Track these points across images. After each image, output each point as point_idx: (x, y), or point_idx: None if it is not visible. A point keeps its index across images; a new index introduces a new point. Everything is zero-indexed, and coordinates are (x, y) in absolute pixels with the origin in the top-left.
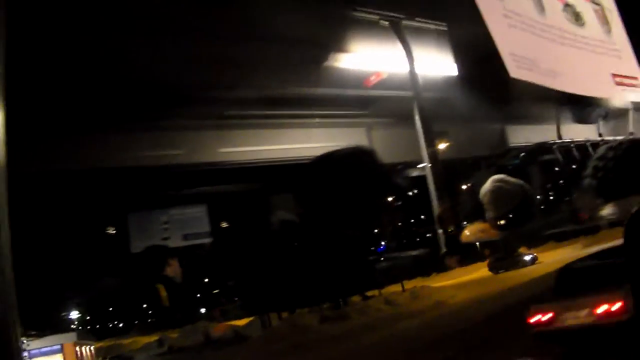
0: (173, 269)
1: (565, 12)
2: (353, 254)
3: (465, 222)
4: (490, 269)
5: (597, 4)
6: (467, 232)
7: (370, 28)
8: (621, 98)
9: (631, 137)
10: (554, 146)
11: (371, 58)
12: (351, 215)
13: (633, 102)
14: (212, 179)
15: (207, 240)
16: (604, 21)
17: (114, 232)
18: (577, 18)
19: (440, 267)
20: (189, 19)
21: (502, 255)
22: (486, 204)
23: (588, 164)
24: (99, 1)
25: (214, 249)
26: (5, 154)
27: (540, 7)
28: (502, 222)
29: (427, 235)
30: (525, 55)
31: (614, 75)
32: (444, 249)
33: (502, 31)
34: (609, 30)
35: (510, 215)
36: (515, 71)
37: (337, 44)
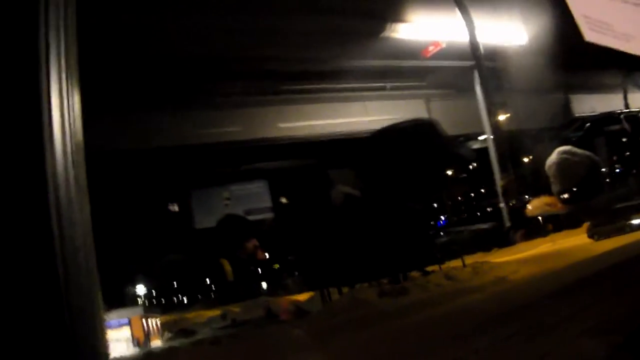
0: (251, 243)
1: None
2: (414, 228)
3: (528, 196)
4: (590, 236)
5: None
6: (533, 206)
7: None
8: None
9: None
10: (621, 115)
11: (429, 27)
12: (413, 188)
13: None
14: (272, 155)
15: (268, 215)
16: None
17: (178, 209)
18: None
19: (502, 242)
20: None
21: (604, 221)
22: (552, 176)
23: None
24: None
25: (275, 223)
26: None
27: None
28: (570, 195)
29: (489, 209)
30: (599, 18)
31: None
32: (508, 223)
33: None
34: None
35: (578, 188)
36: (589, 34)
37: (394, 14)
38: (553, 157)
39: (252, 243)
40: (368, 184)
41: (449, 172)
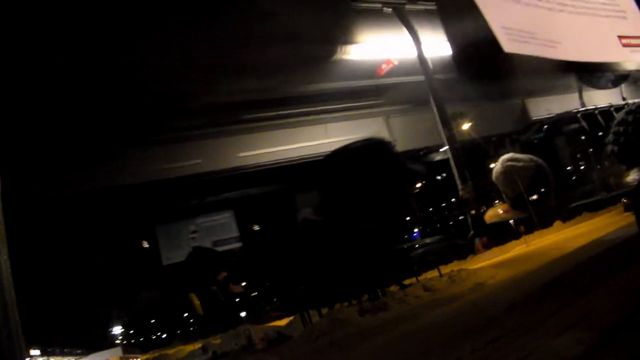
0: (221, 275)
1: None
2: (384, 245)
3: (491, 203)
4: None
5: None
6: (488, 215)
7: (374, 17)
8: (630, 60)
9: (625, 103)
10: (578, 115)
11: (380, 47)
12: (367, 208)
13: None
14: (235, 184)
15: (237, 245)
16: None
17: (145, 246)
18: None
19: (467, 251)
20: (189, 29)
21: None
22: (500, 185)
23: (608, 131)
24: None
25: (246, 252)
26: None
27: None
28: (520, 200)
29: (460, 218)
30: (521, 28)
31: (621, 37)
32: (470, 232)
33: (493, 5)
34: None
35: (528, 192)
36: (509, 45)
37: (343, 37)
38: (498, 166)
39: (222, 275)
40: (326, 207)
41: (417, 185)
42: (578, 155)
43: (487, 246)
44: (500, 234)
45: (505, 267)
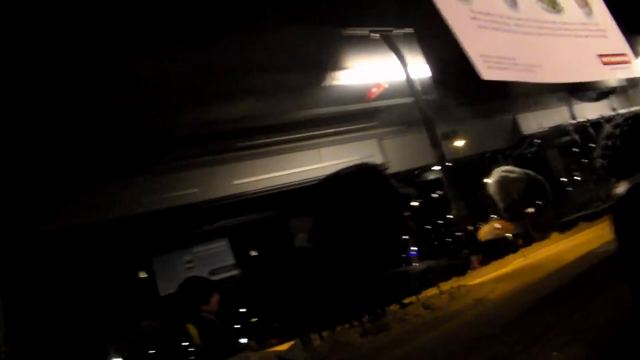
0: (214, 299)
1: (541, 2)
2: (380, 267)
3: (486, 219)
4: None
5: None
6: (483, 232)
7: (363, 42)
8: (610, 77)
9: (633, 110)
10: (569, 127)
11: (370, 71)
12: (368, 230)
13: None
14: (231, 212)
15: (234, 273)
16: (583, 3)
17: (143, 277)
18: (554, 5)
19: (463, 269)
20: (180, 58)
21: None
22: (494, 194)
23: (597, 144)
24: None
25: (244, 279)
26: None
27: (513, 2)
28: (514, 212)
29: (456, 234)
30: (499, 54)
31: (601, 56)
32: (465, 251)
33: (470, 34)
34: (589, 12)
35: (521, 204)
36: (486, 72)
37: (334, 63)
38: (493, 176)
39: (216, 299)
40: (319, 233)
41: (410, 206)
42: (573, 167)
43: (483, 263)
44: (496, 250)
45: (504, 281)
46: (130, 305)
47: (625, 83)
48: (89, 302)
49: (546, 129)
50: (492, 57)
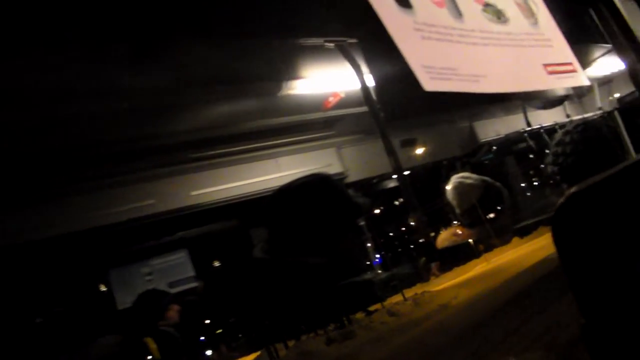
0: (172, 310)
1: (486, 13)
2: (335, 278)
3: (444, 227)
4: None
5: None
6: (440, 239)
7: (318, 52)
8: (556, 86)
9: (586, 117)
10: (525, 134)
11: (325, 80)
12: (322, 241)
13: (592, 80)
14: (189, 223)
15: (194, 284)
16: (529, 13)
17: (101, 289)
18: (499, 16)
19: (421, 277)
20: (134, 72)
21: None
22: (451, 200)
23: (548, 152)
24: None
25: (205, 291)
26: None
27: (457, 13)
28: (470, 218)
29: (416, 242)
30: (442, 65)
31: (546, 65)
32: (422, 259)
33: (413, 46)
34: (535, 22)
35: (477, 211)
36: (429, 83)
37: (291, 73)
38: (450, 183)
39: (174, 310)
40: (273, 244)
41: (366, 215)
42: (530, 172)
43: (441, 270)
44: (454, 257)
45: (467, 287)
46: (88, 320)
47: (579, 90)
48: (46, 317)
49: (502, 136)
50: (435, 68)
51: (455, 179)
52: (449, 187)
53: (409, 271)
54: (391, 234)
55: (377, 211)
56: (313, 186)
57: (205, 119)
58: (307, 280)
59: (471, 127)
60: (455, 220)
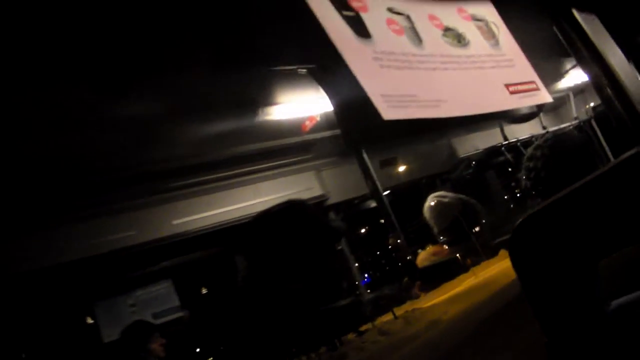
0: (156, 343)
1: (446, 37)
2: (316, 302)
3: (426, 244)
4: None
5: (479, 20)
6: (420, 259)
7: (292, 77)
8: (518, 105)
9: (563, 127)
10: (502, 148)
11: (300, 105)
12: (300, 267)
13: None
14: (172, 252)
15: (179, 314)
16: (490, 35)
17: (85, 324)
18: (460, 39)
19: (404, 297)
20: (107, 103)
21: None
22: (429, 220)
23: (522, 166)
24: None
25: (191, 320)
26: None
27: (418, 40)
28: (449, 236)
29: (399, 262)
30: (401, 93)
31: (508, 85)
32: (405, 279)
33: (372, 75)
34: (496, 43)
35: (455, 229)
36: (387, 112)
37: (266, 99)
38: (427, 202)
39: (158, 343)
40: (252, 272)
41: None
42: (513, 185)
43: (424, 289)
44: (437, 275)
45: (457, 302)
46: (74, 355)
47: (554, 103)
48: (31, 353)
49: (481, 151)
50: (394, 96)
51: (431, 198)
52: (426, 207)
53: (396, 290)
54: (378, 253)
55: (362, 230)
56: (288, 213)
57: (183, 147)
58: (290, 305)
59: (450, 143)
60: (434, 239)
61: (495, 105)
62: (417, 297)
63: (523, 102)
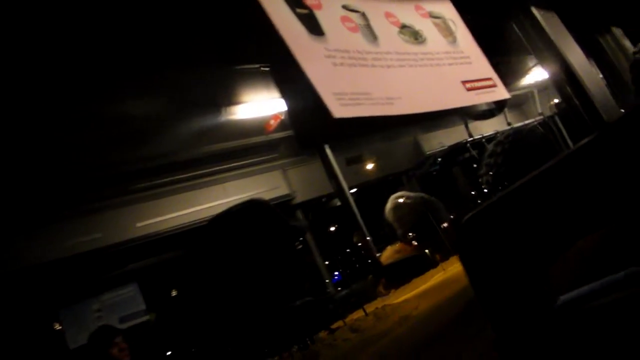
0: (114, 349)
1: (402, 35)
2: (283, 299)
3: (390, 242)
4: None
5: (437, 17)
6: (384, 257)
7: (255, 77)
8: (475, 102)
9: (527, 123)
10: (467, 144)
11: (263, 104)
12: (262, 266)
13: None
14: (137, 255)
15: (146, 318)
16: (448, 32)
17: (51, 329)
18: (417, 37)
19: (370, 295)
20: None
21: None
22: (392, 222)
23: (482, 163)
24: None
25: (159, 322)
26: None
27: (373, 37)
28: (412, 235)
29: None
30: (354, 91)
31: (465, 82)
32: (369, 277)
33: (324, 73)
34: (454, 40)
35: (419, 227)
36: (339, 110)
37: (231, 99)
38: (388, 204)
39: (117, 348)
40: (213, 273)
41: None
42: (481, 180)
43: (388, 287)
44: (403, 273)
45: (427, 297)
46: None
47: (519, 99)
48: None
49: (446, 147)
50: (347, 94)
51: (393, 199)
52: (387, 208)
53: (367, 287)
54: (348, 250)
55: (332, 228)
56: (249, 212)
57: (148, 149)
58: (255, 304)
59: (415, 140)
60: (398, 239)
61: (451, 102)
62: (382, 295)
63: (480, 99)
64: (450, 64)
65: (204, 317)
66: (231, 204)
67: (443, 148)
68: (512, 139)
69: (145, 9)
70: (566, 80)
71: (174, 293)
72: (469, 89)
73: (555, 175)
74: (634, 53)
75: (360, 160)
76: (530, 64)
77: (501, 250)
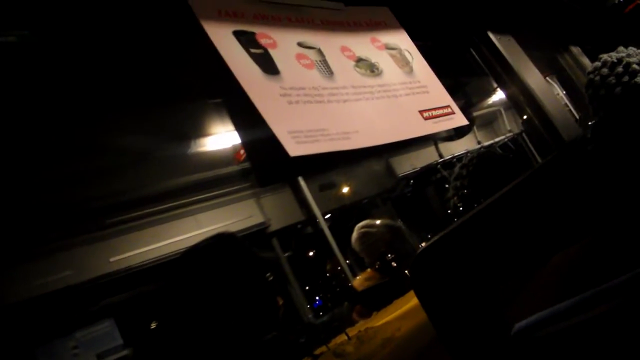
0: None
1: (358, 68)
2: (256, 330)
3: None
4: None
5: (392, 48)
6: (355, 285)
7: (221, 110)
8: (433, 130)
9: (497, 140)
10: (438, 165)
11: (231, 135)
12: (232, 299)
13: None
14: (111, 290)
15: (124, 353)
16: (404, 63)
17: None
18: (373, 69)
19: (346, 323)
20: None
21: None
22: (359, 252)
23: (449, 186)
24: None
25: (137, 357)
26: None
27: (329, 72)
28: (380, 264)
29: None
30: (310, 128)
31: (422, 112)
32: (345, 304)
33: (279, 112)
34: (410, 70)
35: (387, 255)
36: (294, 148)
37: (200, 131)
38: (354, 234)
39: None
40: (183, 307)
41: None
42: (455, 199)
43: (363, 314)
44: (376, 299)
45: (409, 318)
46: None
47: (488, 117)
48: None
49: (418, 169)
50: (302, 131)
51: (358, 229)
52: (353, 238)
53: (332, 317)
54: (328, 275)
55: (310, 254)
56: (215, 247)
57: (117, 183)
58: (222, 339)
59: (387, 163)
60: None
61: (408, 133)
62: (356, 322)
63: (438, 127)
64: (407, 94)
65: (177, 352)
66: (204, 236)
67: (415, 170)
68: (476, 162)
69: (110, 42)
70: (525, 102)
71: (152, 326)
72: (426, 118)
73: (512, 200)
74: (588, 73)
75: (333, 186)
76: (495, 84)
77: (456, 282)
